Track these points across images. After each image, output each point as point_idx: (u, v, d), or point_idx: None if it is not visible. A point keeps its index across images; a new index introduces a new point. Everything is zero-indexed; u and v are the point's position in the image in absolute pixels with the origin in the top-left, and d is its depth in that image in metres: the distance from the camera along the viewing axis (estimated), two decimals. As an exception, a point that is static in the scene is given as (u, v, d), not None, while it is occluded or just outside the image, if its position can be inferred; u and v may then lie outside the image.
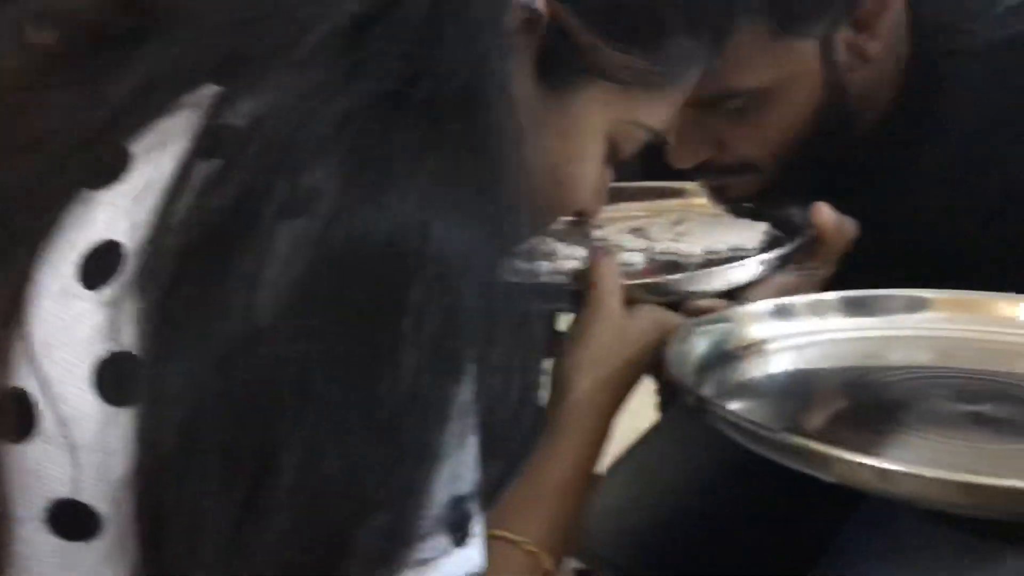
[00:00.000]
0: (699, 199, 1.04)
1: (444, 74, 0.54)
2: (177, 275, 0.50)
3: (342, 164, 0.51)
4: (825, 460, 0.60)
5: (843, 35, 0.91)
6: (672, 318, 0.81)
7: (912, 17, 0.94)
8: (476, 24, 0.57)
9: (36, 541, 0.53)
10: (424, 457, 0.51)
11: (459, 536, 0.54)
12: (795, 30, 0.88)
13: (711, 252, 0.92)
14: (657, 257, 0.93)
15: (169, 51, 0.56)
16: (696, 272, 0.85)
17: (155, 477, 0.49)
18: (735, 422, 0.65)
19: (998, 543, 0.95)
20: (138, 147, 0.54)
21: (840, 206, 0.89)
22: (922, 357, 0.81)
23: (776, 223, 0.95)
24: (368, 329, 0.50)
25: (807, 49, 0.89)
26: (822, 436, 0.64)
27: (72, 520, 0.52)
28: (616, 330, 0.78)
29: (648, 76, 0.71)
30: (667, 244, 0.93)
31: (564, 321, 0.83)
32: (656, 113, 0.74)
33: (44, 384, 0.51)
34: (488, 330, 0.52)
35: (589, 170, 0.73)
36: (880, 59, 0.92)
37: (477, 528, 0.55)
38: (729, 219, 0.99)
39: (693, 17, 0.72)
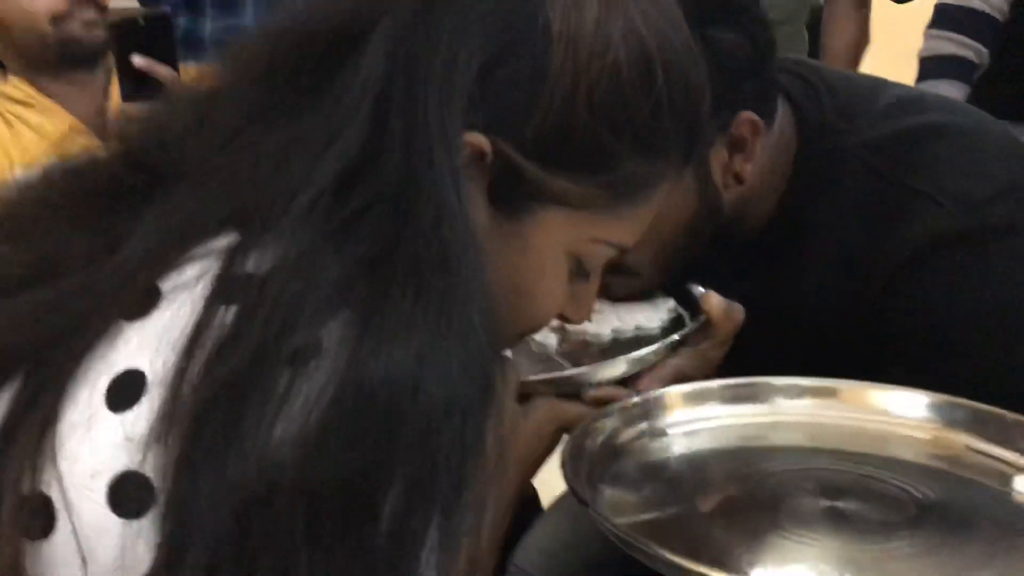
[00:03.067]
0: None
1: (423, 232, 0.59)
2: (199, 418, 0.55)
3: (347, 323, 0.57)
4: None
5: (718, 156, 0.96)
6: (568, 409, 0.85)
7: (797, 120, 1.00)
8: (439, 172, 0.61)
9: None
10: None
11: None
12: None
13: (618, 331, 0.99)
14: (569, 338, 1.00)
15: (179, 207, 0.62)
16: (593, 365, 0.90)
17: None
18: (616, 533, 0.72)
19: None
20: (165, 286, 0.61)
21: (728, 292, 0.95)
22: (798, 439, 0.89)
23: (681, 300, 1.03)
24: (369, 478, 0.55)
25: None
26: (691, 547, 0.71)
27: None
28: (510, 426, 0.80)
29: (602, 199, 0.70)
30: (578, 325, 1.00)
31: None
32: (621, 230, 0.73)
33: (64, 493, 0.58)
34: (459, 469, 0.58)
35: (553, 286, 0.72)
36: (756, 176, 0.97)
37: None
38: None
39: (645, 143, 0.69)
